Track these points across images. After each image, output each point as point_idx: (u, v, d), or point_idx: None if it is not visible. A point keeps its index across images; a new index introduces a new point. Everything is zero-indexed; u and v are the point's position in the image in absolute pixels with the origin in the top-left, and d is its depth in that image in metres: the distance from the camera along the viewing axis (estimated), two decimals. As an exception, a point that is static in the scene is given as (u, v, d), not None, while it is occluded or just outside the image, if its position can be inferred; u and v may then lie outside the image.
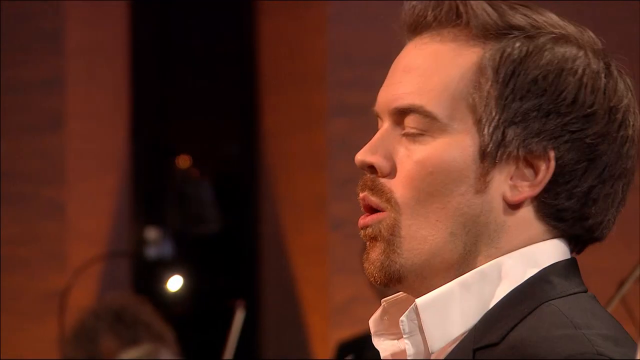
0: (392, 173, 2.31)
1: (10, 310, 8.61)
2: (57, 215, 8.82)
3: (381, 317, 2.42)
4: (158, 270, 9.30)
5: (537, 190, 2.28)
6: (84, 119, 9.07)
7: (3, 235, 8.56)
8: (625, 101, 2.33)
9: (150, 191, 9.88)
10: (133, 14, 9.48)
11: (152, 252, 10.04)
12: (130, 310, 5.75)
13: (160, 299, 6.07)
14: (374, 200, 2.31)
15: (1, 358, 8.54)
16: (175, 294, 8.38)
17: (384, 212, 2.30)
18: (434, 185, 2.28)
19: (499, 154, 2.28)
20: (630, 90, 2.35)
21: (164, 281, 8.56)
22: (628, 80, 2.35)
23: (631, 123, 2.34)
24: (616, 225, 2.40)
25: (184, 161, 10.46)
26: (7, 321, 8.61)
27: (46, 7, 8.81)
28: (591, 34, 2.38)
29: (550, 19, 2.34)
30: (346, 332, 7.88)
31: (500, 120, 2.27)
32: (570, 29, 2.34)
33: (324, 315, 9.10)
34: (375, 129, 2.41)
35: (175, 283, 8.47)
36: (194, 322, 7.54)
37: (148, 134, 9.74)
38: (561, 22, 2.35)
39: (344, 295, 8.92)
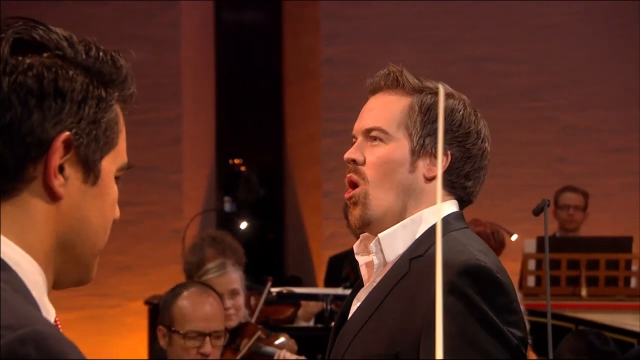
0: (364, 164, 2.35)
1: (152, 241, 8.55)
2: (176, 189, 8.74)
3: (359, 244, 2.43)
4: (231, 218, 9.29)
5: (442, 172, 2.35)
6: (192, 140, 9.00)
7: (149, 199, 8.49)
8: (484, 129, 2.42)
9: (225, 177, 9.84)
10: (217, 77, 9.47)
11: (227, 208, 10.01)
12: (220, 235, 5.75)
13: (233, 235, 6.07)
14: (355, 177, 2.36)
15: (143, 266, 8.58)
16: (242, 231, 8.39)
17: (359, 187, 2.35)
18: (387, 169, 2.34)
19: (421, 152, 2.35)
20: (485, 124, 2.43)
21: (235, 224, 8.57)
22: (483, 119, 2.43)
23: (486, 140, 2.42)
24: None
25: (239, 161, 10.43)
26: (150, 246, 8.56)
27: (167, 70, 8.75)
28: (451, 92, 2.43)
29: (444, 86, 2.37)
30: (332, 252, 7.80)
31: (422, 134, 2.35)
32: (444, 86, 2.38)
33: (320, 242, 9.02)
34: (347, 143, 2.45)
35: (243, 225, 8.46)
36: (252, 246, 7.58)
37: (223, 148, 9.65)
38: (430, 83, 2.42)
39: (330, 231, 8.80)
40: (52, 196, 1.36)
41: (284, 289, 5.73)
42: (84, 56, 1.39)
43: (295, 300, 5.81)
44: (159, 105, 8.43)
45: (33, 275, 1.34)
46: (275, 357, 4.42)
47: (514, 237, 6.49)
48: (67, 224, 1.38)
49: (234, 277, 4.85)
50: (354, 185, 2.37)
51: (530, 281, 6.67)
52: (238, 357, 3.96)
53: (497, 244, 5.53)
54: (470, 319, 2.08)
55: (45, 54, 1.36)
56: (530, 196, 7.48)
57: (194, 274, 5.58)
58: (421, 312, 2.15)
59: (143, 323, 7.81)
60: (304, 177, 9.45)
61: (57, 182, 1.35)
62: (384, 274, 2.33)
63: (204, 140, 9.29)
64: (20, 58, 1.34)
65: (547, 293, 2.76)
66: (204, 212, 8.81)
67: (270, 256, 9.41)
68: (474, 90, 2.41)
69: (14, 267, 1.32)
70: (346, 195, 2.38)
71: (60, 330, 1.41)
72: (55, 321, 1.41)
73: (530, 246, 6.73)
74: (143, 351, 7.79)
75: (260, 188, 10.23)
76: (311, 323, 5.84)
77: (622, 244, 6.94)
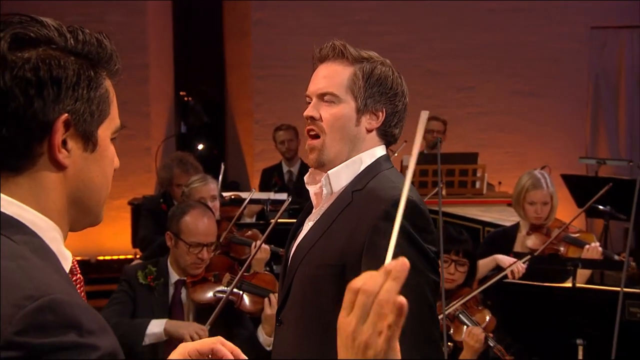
0: (321, 119, 2.23)
1: (129, 156, 8.29)
2: (146, 117, 8.53)
3: (309, 175, 2.33)
4: (187, 138, 9.21)
5: (379, 124, 2.24)
6: (156, 80, 8.80)
7: (126, 124, 8.36)
8: (405, 87, 2.28)
9: (179, 108, 9.72)
10: (175, 34, 9.25)
11: (183, 130, 9.88)
12: (185, 157, 5.59)
13: (193, 153, 6.01)
14: (315, 129, 2.24)
15: (123, 174, 8.40)
16: (199, 151, 8.32)
17: (320, 138, 2.24)
18: (339, 124, 2.22)
19: (364, 110, 2.22)
20: (405, 83, 2.27)
21: (193, 144, 8.44)
22: (403, 78, 2.27)
23: (407, 95, 2.27)
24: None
25: (188, 96, 10.28)
26: (128, 160, 8.25)
27: (137, 29, 8.49)
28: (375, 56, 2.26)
29: (374, 54, 2.27)
30: (262, 164, 7.79)
31: (364, 96, 2.22)
32: (375, 55, 2.26)
33: (252, 157, 8.98)
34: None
35: (200, 145, 8.35)
36: (201, 159, 7.56)
37: (178, 86, 9.49)
38: (365, 54, 2.26)
39: (260, 149, 8.79)
40: (59, 167, 1.27)
41: (233, 194, 5.71)
42: (72, 43, 1.26)
43: (241, 203, 5.83)
44: (131, 55, 8.23)
45: (50, 232, 1.26)
46: (252, 245, 4.43)
47: (396, 154, 6.60)
48: (75, 186, 1.30)
49: (213, 186, 4.84)
50: (313, 135, 2.27)
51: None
52: (215, 251, 3.98)
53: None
54: (401, 238, 2.00)
55: (40, 48, 1.23)
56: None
57: (166, 186, 5.56)
58: (363, 233, 2.07)
59: (124, 215, 7.80)
60: (239, 108, 9.34)
61: (62, 155, 1.26)
62: (332, 202, 2.25)
63: (165, 81, 9.12)
64: (18, 54, 1.21)
65: (439, 195, 2.75)
66: (167, 138, 8.69)
67: (215, 167, 9.26)
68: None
69: (34, 228, 1.24)
70: (308, 143, 2.26)
71: (78, 270, 1.38)
72: (73, 263, 1.35)
73: (407, 160, 6.87)
74: (125, 236, 7.78)
75: (205, 116, 10.14)
76: (254, 220, 5.86)
77: (470, 157, 7.13)
